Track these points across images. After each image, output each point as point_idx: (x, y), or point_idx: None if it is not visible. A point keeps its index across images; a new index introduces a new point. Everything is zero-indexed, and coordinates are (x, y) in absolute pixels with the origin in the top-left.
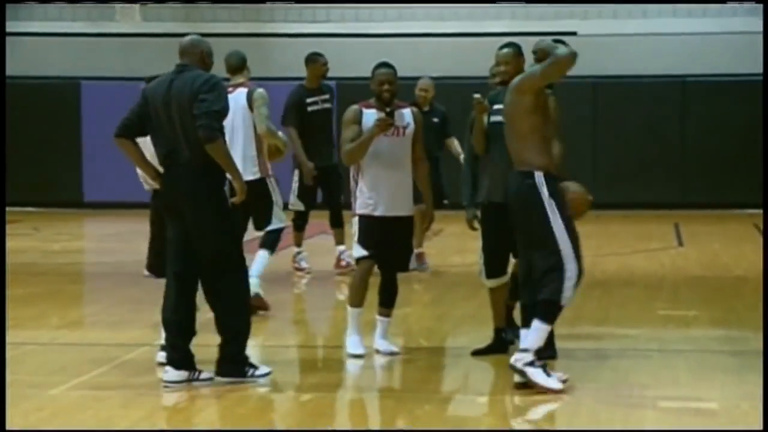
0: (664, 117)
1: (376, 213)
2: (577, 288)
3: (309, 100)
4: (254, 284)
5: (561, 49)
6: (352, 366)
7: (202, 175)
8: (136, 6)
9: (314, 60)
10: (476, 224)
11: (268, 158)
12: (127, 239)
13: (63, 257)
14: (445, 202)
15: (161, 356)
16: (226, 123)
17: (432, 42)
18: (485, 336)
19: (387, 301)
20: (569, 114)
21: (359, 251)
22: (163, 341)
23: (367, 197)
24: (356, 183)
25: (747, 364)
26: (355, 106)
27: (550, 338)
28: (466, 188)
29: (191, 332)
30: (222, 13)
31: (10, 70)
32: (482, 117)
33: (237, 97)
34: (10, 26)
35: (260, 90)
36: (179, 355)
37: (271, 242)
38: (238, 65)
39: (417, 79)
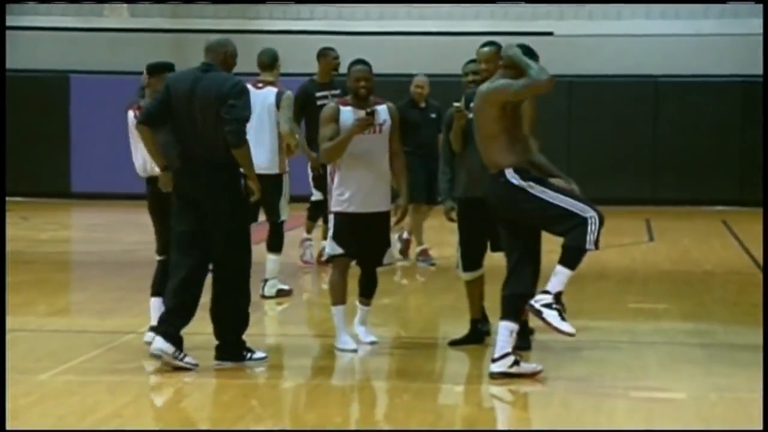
0: (637, 116)
1: (350, 210)
2: (601, 230)
3: (318, 94)
4: (273, 285)
5: (538, 72)
6: (331, 355)
7: (220, 169)
8: (125, 3)
9: (325, 54)
10: (454, 215)
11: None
12: (114, 229)
13: (51, 246)
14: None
15: (149, 336)
16: (252, 118)
17: (413, 40)
18: (462, 327)
19: (366, 293)
20: (545, 112)
21: (334, 249)
22: (153, 322)
23: (342, 194)
24: (332, 180)
25: (715, 356)
26: (332, 104)
27: (524, 330)
28: (444, 182)
29: (189, 318)
30: (208, 10)
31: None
32: (461, 122)
33: (266, 95)
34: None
35: (288, 92)
36: (172, 331)
37: (277, 245)
38: (269, 63)
39: (397, 76)
